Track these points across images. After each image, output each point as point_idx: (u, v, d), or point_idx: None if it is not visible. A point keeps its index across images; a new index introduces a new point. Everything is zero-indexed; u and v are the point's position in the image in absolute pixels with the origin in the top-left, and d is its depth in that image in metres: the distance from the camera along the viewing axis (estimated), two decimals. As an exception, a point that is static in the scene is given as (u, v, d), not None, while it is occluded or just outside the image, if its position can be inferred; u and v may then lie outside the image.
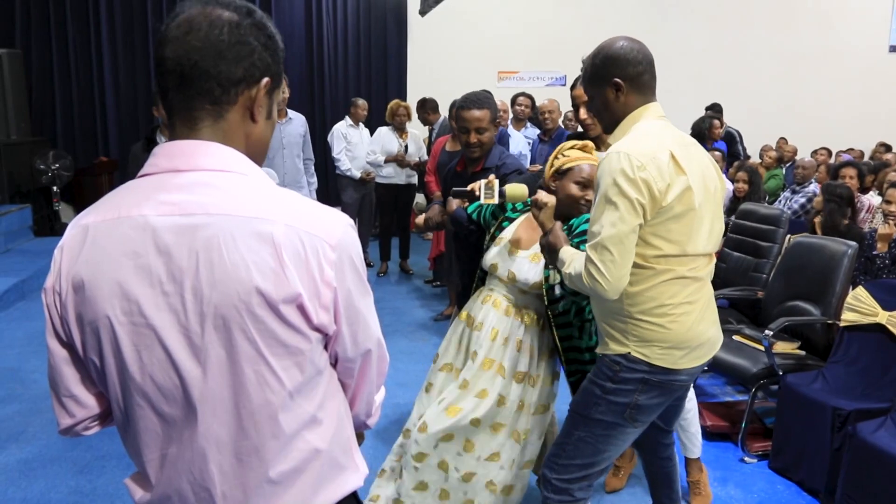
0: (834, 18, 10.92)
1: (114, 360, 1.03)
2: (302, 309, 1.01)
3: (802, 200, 6.23)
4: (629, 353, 2.03)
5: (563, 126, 6.10)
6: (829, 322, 3.59)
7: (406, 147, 6.74)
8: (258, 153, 1.14)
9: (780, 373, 3.40)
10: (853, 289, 3.53)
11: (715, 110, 7.98)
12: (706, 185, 2.00)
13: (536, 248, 2.42)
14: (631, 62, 2.01)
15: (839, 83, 10.76)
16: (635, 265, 1.94)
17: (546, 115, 5.60)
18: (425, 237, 4.57)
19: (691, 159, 1.97)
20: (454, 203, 2.82)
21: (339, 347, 1.11)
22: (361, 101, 6.89)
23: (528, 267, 2.42)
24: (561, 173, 2.42)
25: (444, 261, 5.46)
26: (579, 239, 2.26)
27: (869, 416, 2.99)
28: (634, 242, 1.91)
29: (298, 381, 1.05)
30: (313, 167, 5.85)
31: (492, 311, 2.49)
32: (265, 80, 1.08)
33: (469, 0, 9.65)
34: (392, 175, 6.76)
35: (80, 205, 8.37)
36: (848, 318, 3.41)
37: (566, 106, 6.56)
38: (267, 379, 1.02)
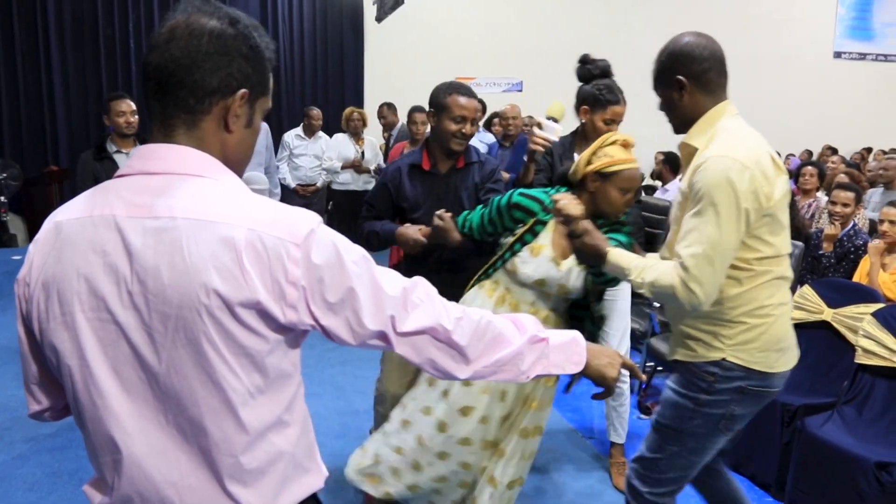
0: (784, 26, 11.25)
1: (76, 357, 1.05)
2: (263, 313, 1.03)
3: None
4: (724, 358, 1.94)
5: (524, 132, 6.14)
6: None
7: (363, 153, 6.73)
8: (238, 160, 1.15)
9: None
10: (800, 287, 3.63)
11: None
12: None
13: (573, 258, 2.29)
14: (696, 59, 1.94)
15: (789, 88, 11.09)
16: (736, 268, 1.89)
17: (509, 122, 5.62)
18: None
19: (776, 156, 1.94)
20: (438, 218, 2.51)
21: (337, 339, 1.11)
22: (315, 111, 6.78)
23: (577, 275, 2.29)
24: (603, 175, 2.23)
25: (402, 268, 5.46)
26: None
27: (816, 411, 3.08)
28: (735, 253, 1.85)
29: (259, 382, 1.07)
30: (277, 178, 5.82)
31: None
32: (241, 91, 1.09)
33: (425, 6, 9.69)
34: (349, 181, 6.75)
35: (29, 215, 8.16)
36: (795, 316, 3.49)
37: (525, 111, 6.63)
38: (227, 377, 1.04)
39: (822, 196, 6.17)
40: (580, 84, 3.03)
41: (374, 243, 2.73)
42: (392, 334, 1.12)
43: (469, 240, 2.53)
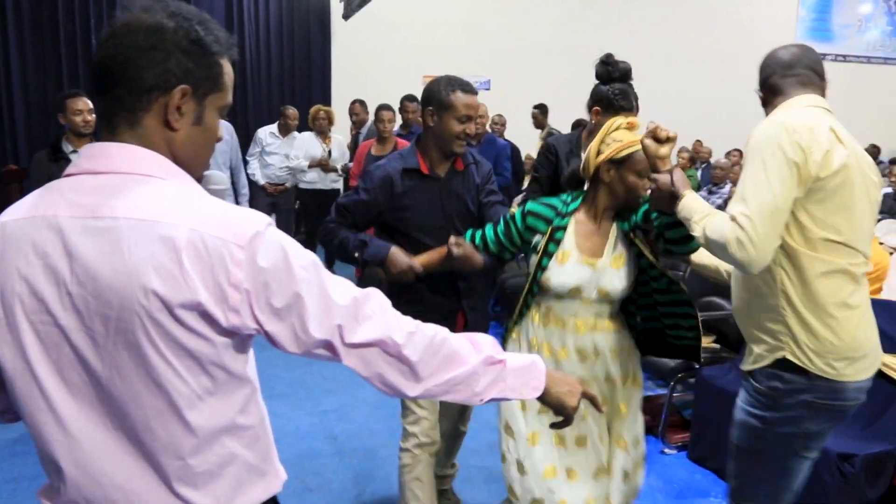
0: (746, 24, 11.42)
1: (20, 360, 1.03)
2: (205, 315, 1.00)
3: (719, 202, 6.48)
4: (784, 357, 1.88)
5: (490, 130, 6.14)
6: (742, 316, 3.74)
7: (329, 152, 6.68)
8: (189, 159, 1.11)
9: (697, 366, 3.52)
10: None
11: (542, 111, 7.99)
12: (864, 175, 1.89)
13: (608, 253, 2.21)
14: (762, 69, 2.10)
15: (751, 88, 11.24)
16: (792, 251, 1.84)
17: (476, 120, 5.63)
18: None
19: (853, 144, 1.89)
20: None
21: (281, 347, 1.09)
22: (291, 111, 6.70)
23: (613, 275, 2.19)
24: (616, 162, 2.16)
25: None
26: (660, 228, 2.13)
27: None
28: (787, 213, 1.79)
29: (207, 384, 1.05)
30: (244, 177, 5.74)
31: (588, 337, 2.24)
32: (180, 87, 1.05)
33: (393, 4, 9.64)
34: (316, 181, 6.69)
35: (-13, 215, 7.96)
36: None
37: (493, 110, 6.63)
38: (171, 380, 1.02)
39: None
40: (597, 83, 2.99)
41: (351, 255, 2.40)
42: (339, 345, 1.09)
43: (489, 256, 2.37)
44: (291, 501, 3.02)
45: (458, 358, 1.19)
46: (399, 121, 5.90)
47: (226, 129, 5.39)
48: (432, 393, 1.18)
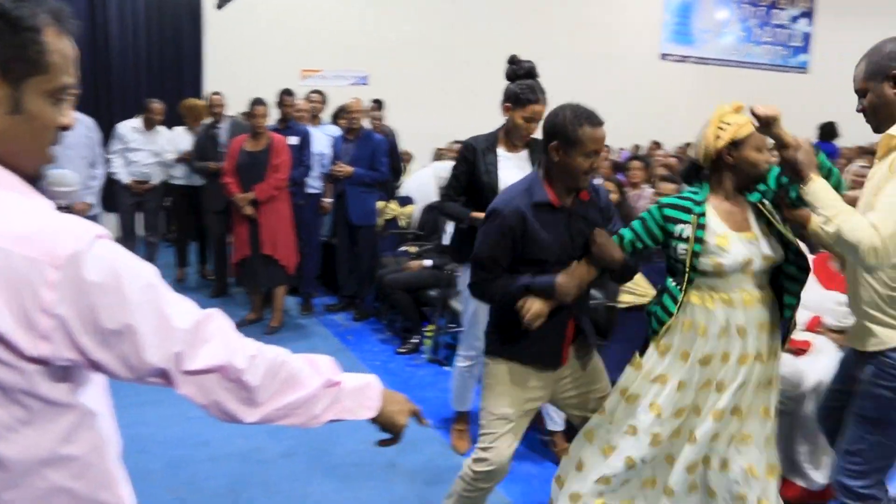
0: (616, 27, 11.95)
1: None
2: (6, 343, 0.89)
3: (642, 203, 6.72)
4: None
5: (367, 126, 6.09)
6: (610, 304, 3.90)
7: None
8: (14, 154, 0.98)
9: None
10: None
11: (377, 104, 7.98)
12: None
13: (754, 224, 2.34)
14: (889, 57, 2.01)
15: (620, 87, 11.77)
16: None
17: (353, 115, 5.59)
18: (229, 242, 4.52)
19: None
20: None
21: (110, 375, 0.99)
22: (156, 105, 6.34)
23: (770, 241, 2.33)
24: (736, 143, 2.28)
25: (247, 265, 5.29)
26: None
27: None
28: None
29: (19, 414, 0.94)
30: (100, 170, 5.39)
31: (753, 311, 2.35)
32: None
33: (270, -5, 9.41)
34: (184, 176, 6.43)
35: None
36: (625, 299, 3.72)
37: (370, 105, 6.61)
38: None
39: (647, 188, 6.60)
40: (507, 83, 3.18)
41: (518, 299, 2.30)
42: (176, 373, 1.01)
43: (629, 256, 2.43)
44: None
45: (297, 381, 1.14)
46: (276, 115, 5.74)
47: (87, 125, 5.02)
48: (270, 418, 1.12)
